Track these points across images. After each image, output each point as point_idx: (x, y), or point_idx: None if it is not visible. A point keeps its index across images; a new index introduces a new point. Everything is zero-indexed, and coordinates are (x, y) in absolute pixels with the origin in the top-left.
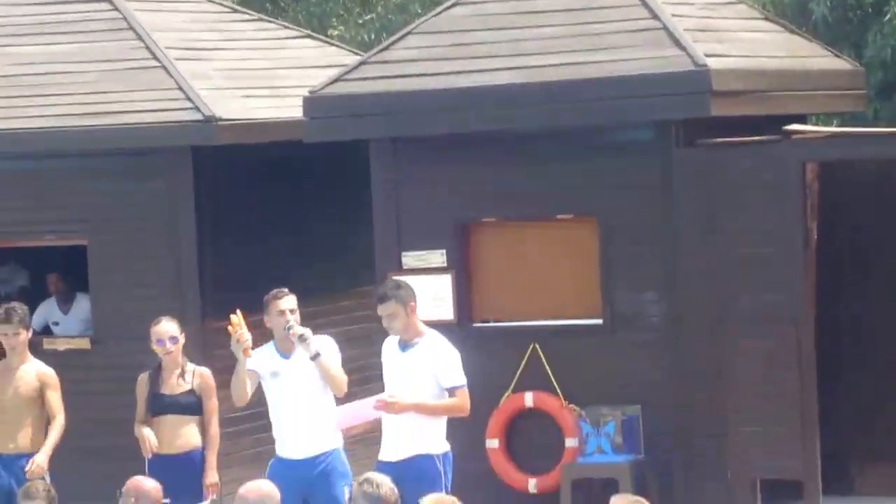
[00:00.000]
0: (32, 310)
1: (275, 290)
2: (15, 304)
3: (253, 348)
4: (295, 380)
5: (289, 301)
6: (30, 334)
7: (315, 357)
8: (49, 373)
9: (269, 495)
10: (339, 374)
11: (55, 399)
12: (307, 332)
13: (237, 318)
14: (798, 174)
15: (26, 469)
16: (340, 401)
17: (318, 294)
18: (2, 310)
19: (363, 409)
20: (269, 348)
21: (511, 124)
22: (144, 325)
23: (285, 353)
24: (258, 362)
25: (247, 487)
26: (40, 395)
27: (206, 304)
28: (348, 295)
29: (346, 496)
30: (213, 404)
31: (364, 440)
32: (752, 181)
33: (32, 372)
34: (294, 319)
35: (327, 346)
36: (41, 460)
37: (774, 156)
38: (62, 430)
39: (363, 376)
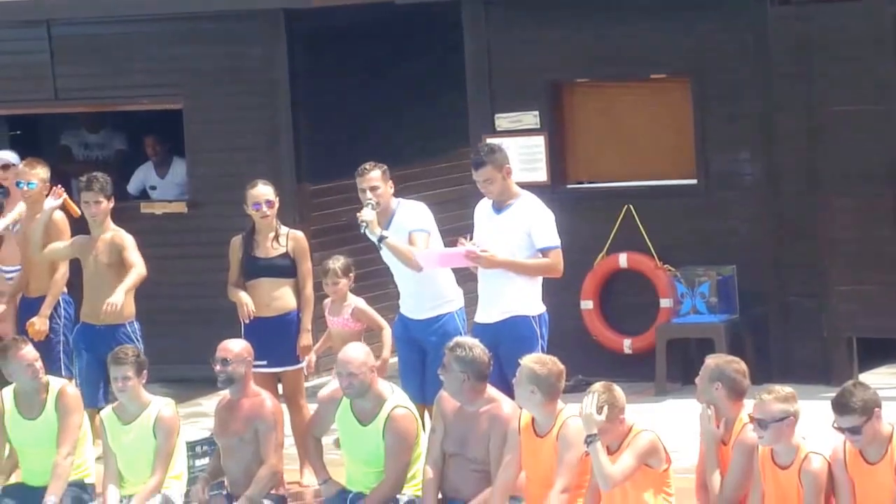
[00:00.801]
0: (130, 172)
1: (361, 166)
2: (97, 173)
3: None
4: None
5: (369, 179)
6: (111, 204)
7: (381, 240)
8: (123, 234)
9: (370, 353)
10: (408, 253)
11: (132, 255)
12: (368, 216)
13: None
14: (893, 28)
15: (103, 309)
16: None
17: (411, 157)
18: (84, 177)
19: (455, 256)
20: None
21: None
22: (240, 188)
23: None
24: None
25: (345, 353)
26: (121, 262)
27: (301, 168)
28: (442, 157)
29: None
30: (307, 267)
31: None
32: (847, 37)
33: (109, 238)
34: (377, 195)
35: (416, 213)
36: (115, 299)
37: (868, 10)
38: (140, 278)
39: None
